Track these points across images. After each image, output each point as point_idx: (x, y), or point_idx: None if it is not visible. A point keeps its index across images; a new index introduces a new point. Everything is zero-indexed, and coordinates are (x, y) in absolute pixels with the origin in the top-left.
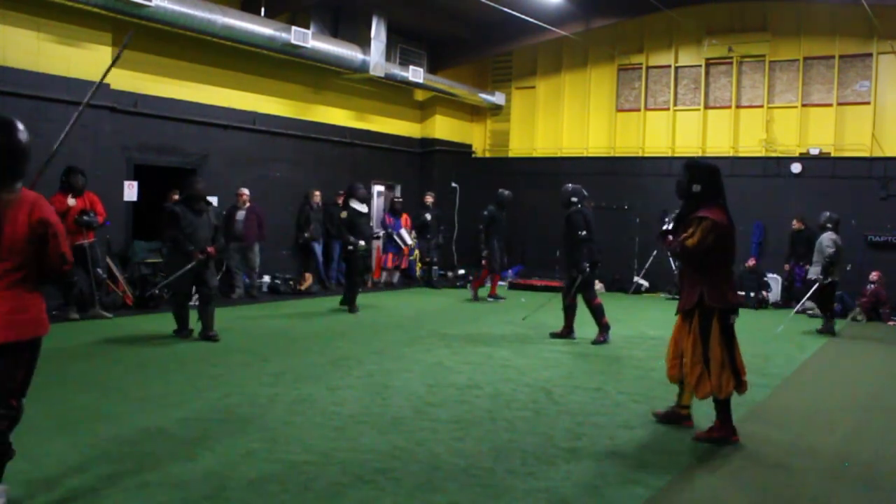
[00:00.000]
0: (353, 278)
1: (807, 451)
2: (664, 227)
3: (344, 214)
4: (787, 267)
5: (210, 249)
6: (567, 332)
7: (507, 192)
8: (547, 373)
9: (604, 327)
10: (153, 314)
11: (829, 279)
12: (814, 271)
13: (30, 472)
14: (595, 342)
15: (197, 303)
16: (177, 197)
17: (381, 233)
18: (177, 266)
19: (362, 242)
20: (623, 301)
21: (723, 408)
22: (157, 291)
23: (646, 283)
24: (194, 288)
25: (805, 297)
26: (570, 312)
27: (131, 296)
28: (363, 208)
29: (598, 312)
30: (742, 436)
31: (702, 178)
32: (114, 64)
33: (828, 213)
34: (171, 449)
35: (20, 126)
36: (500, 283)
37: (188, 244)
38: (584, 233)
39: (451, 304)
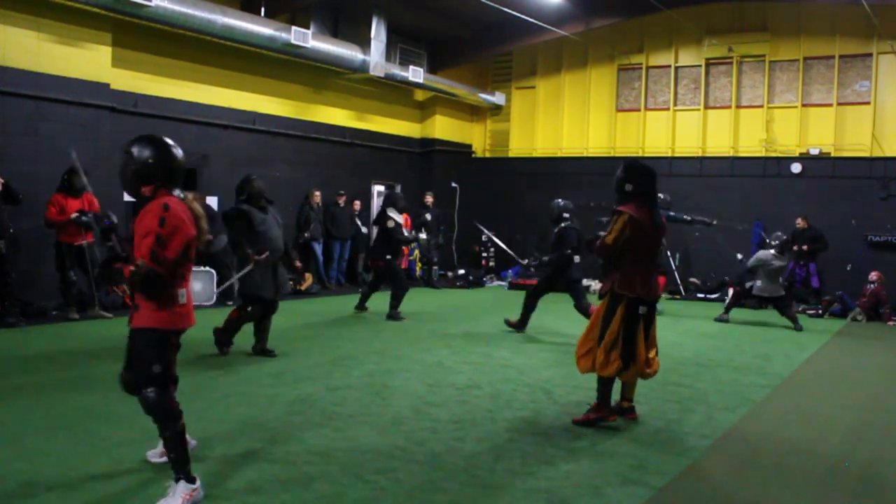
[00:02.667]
0: (401, 284)
1: (807, 451)
2: (591, 237)
3: (391, 224)
4: (796, 246)
5: (297, 263)
6: (520, 325)
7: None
8: (547, 373)
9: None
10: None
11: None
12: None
13: (30, 472)
14: None
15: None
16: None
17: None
18: (255, 273)
19: (424, 235)
20: None
21: (603, 386)
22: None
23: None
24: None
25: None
26: (528, 309)
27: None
28: (399, 219)
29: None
30: (742, 436)
31: (635, 178)
32: None
33: (779, 233)
34: None
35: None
36: (500, 283)
37: (261, 249)
38: (569, 251)
39: (451, 304)
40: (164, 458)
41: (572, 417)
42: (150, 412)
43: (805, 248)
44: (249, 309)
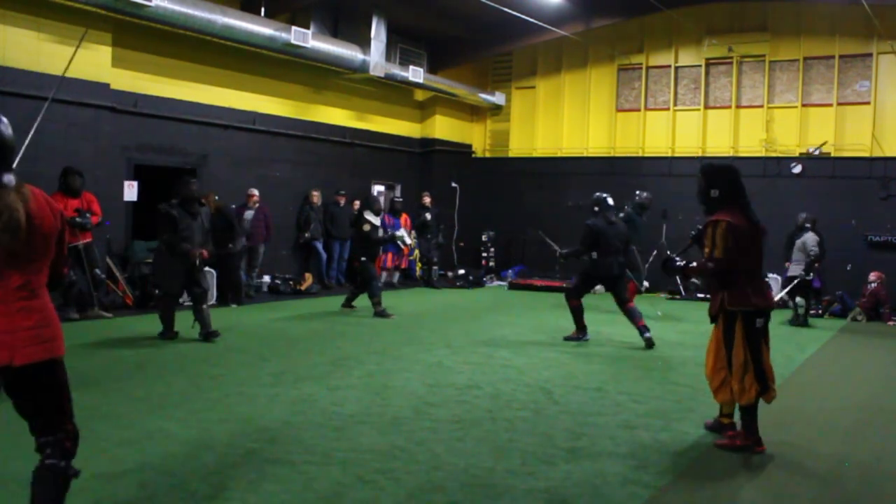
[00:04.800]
0: (372, 283)
1: (807, 451)
2: (678, 263)
3: (367, 227)
4: (788, 265)
5: (204, 252)
6: (580, 333)
7: (646, 194)
8: (547, 373)
9: (642, 328)
10: (153, 314)
11: (810, 276)
12: (795, 269)
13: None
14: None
15: (190, 304)
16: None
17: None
18: (165, 267)
19: (400, 232)
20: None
21: (747, 415)
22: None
23: (646, 283)
24: (185, 290)
25: (783, 291)
26: (576, 315)
27: (131, 296)
28: (376, 221)
29: (632, 316)
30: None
31: (718, 181)
32: None
33: (805, 214)
34: (170, 449)
35: (4, 119)
36: (500, 283)
37: (184, 244)
38: (583, 248)
39: (451, 304)
40: None
41: (715, 441)
42: None
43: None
44: (162, 299)
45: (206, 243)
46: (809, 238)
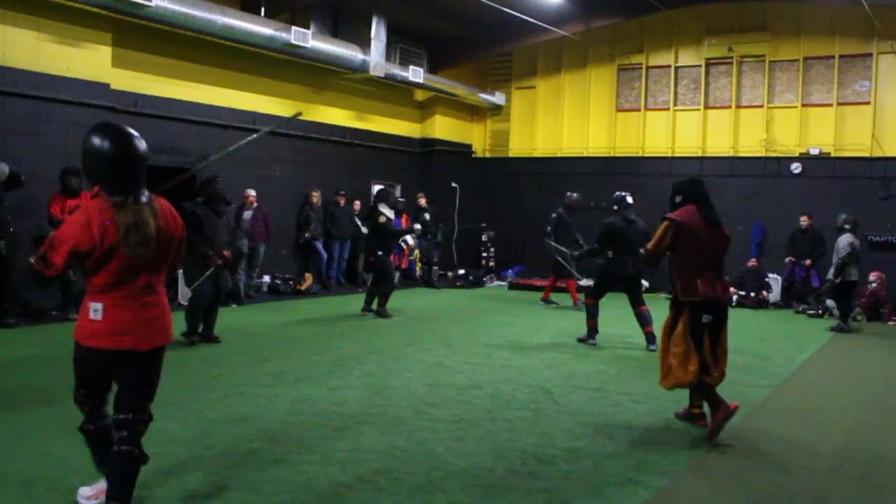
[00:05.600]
0: (387, 282)
1: (807, 451)
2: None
3: (383, 219)
4: (789, 260)
5: (227, 253)
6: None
7: (576, 195)
8: (547, 373)
9: (649, 335)
10: None
11: (841, 279)
12: (830, 273)
13: (30, 472)
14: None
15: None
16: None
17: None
18: (193, 268)
19: (418, 226)
20: (623, 300)
21: (706, 392)
22: (183, 302)
23: (646, 283)
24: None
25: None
26: (590, 315)
27: None
28: (391, 214)
29: (643, 320)
30: (742, 436)
31: (682, 189)
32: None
33: (844, 215)
34: (171, 449)
35: (135, 134)
36: (500, 283)
37: (207, 248)
38: (596, 246)
39: (451, 304)
40: (95, 502)
41: (707, 431)
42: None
43: (808, 262)
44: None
45: (232, 243)
46: (842, 240)
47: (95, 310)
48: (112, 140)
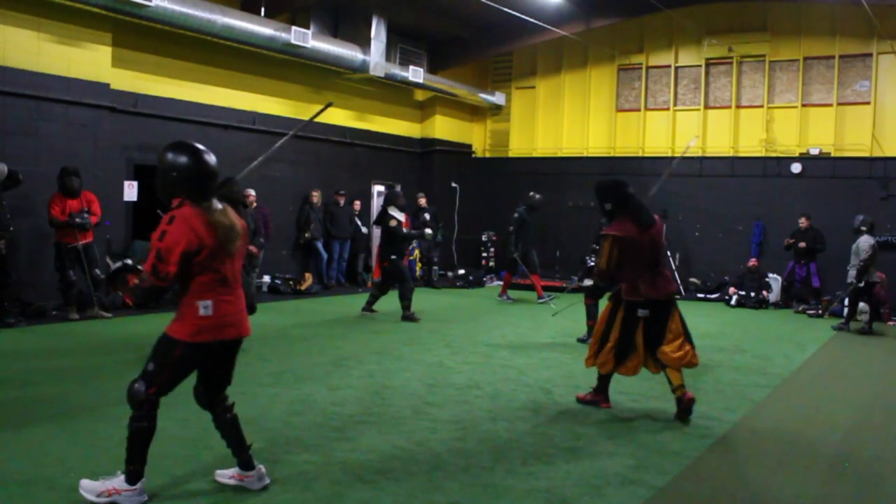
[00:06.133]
0: (405, 284)
1: (807, 451)
2: (589, 264)
3: (394, 223)
4: (789, 241)
5: (253, 249)
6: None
7: (538, 196)
8: (547, 373)
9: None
10: (153, 314)
11: (865, 281)
12: (850, 275)
13: (30, 471)
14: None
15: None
16: None
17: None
18: None
19: (429, 231)
20: None
21: (601, 381)
22: None
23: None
24: None
25: (837, 301)
26: (589, 312)
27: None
28: (401, 216)
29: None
30: (742, 436)
31: (608, 196)
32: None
33: (861, 217)
34: (171, 449)
35: (201, 148)
36: (500, 283)
37: None
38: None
39: (451, 304)
40: (234, 481)
41: (578, 395)
42: (128, 401)
43: (802, 244)
44: None
45: (254, 242)
46: (863, 241)
47: (205, 307)
48: (197, 156)
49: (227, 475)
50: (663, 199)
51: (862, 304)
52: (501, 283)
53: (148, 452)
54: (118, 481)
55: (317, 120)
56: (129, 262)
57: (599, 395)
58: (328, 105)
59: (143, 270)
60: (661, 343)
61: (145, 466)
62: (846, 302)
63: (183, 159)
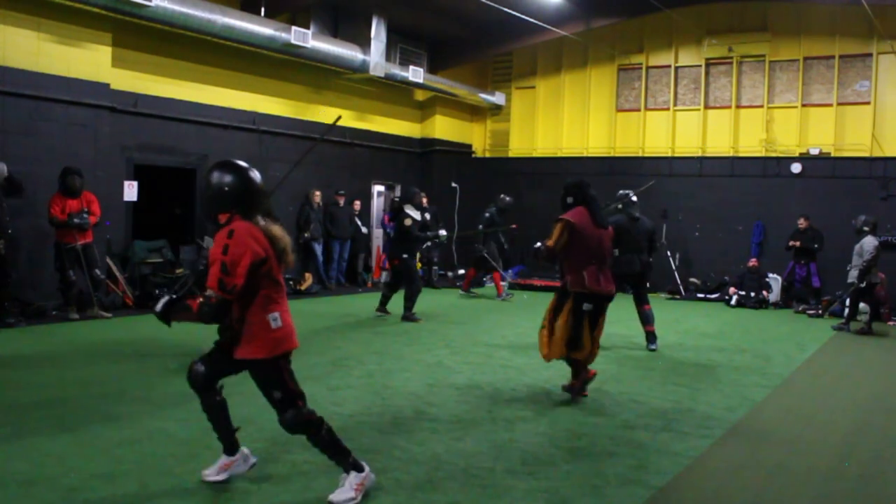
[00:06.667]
0: (412, 285)
1: (807, 451)
2: (536, 245)
3: (409, 222)
4: (791, 244)
5: None
6: None
7: (508, 198)
8: (547, 373)
9: (650, 334)
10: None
11: (865, 282)
12: (853, 274)
13: (30, 471)
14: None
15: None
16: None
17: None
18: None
19: (443, 232)
20: (622, 300)
21: (573, 365)
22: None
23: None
24: None
25: (837, 302)
26: None
27: (131, 296)
28: (417, 215)
29: (646, 319)
30: (742, 436)
31: (571, 191)
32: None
33: (863, 217)
34: (171, 449)
35: (244, 165)
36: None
37: None
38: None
39: (451, 304)
40: (220, 477)
41: (563, 384)
42: (292, 431)
43: (797, 244)
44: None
45: None
46: (867, 242)
47: (275, 318)
48: (247, 174)
49: (214, 471)
50: (663, 199)
51: (862, 305)
52: (504, 282)
53: (342, 442)
54: (352, 478)
55: (316, 120)
56: (174, 295)
57: (580, 373)
58: (338, 119)
59: (208, 287)
60: (594, 336)
61: (352, 454)
62: (846, 302)
63: (231, 177)
